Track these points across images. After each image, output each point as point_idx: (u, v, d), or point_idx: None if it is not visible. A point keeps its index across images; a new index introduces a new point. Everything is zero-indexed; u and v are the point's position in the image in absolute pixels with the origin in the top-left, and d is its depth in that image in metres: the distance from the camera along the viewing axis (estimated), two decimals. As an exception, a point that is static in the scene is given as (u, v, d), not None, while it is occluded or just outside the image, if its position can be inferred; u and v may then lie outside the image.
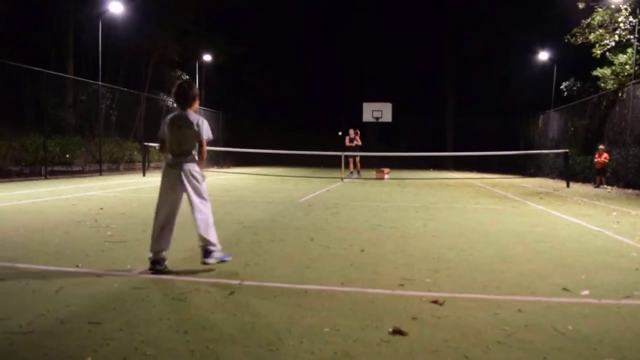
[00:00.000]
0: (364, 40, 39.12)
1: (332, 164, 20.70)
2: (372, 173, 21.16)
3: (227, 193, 12.10)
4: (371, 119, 26.29)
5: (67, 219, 7.14)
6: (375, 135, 34.43)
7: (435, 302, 3.49)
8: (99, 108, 20.72)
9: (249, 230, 6.51)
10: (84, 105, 21.29)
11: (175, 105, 4.33)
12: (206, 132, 4.18)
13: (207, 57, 29.70)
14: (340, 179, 18.62)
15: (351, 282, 4.03)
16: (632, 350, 2.74)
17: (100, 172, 19.24)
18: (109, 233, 6.02)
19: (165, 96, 27.25)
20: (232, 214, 7.93)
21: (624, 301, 3.66)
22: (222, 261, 4.32)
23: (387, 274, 4.31)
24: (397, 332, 2.90)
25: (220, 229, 6.45)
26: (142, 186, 13.72)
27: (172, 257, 4.79)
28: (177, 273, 4.19)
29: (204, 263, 4.20)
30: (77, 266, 4.36)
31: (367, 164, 23.86)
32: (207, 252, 4.19)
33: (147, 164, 20.58)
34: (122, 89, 22.91)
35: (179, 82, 4.37)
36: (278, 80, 39.12)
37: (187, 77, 29.03)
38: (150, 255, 4.19)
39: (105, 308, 3.26)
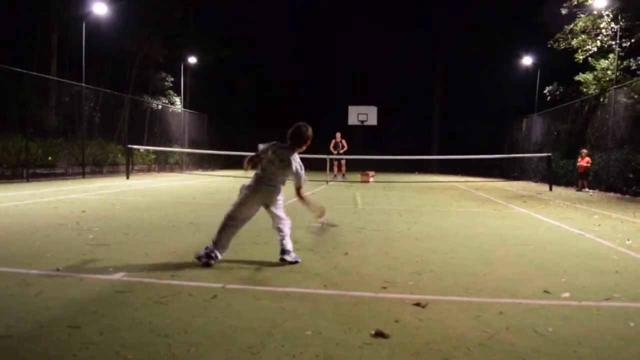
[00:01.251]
0: (352, 43, 39.21)
1: (317, 166, 20.66)
2: (357, 176, 21.22)
3: (211, 196, 12.04)
4: (356, 122, 26.39)
5: (48, 221, 7.05)
6: (360, 138, 34.52)
7: (417, 304, 3.51)
8: (82, 110, 20.50)
9: (233, 233, 6.46)
10: (67, 107, 21.03)
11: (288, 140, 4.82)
12: (300, 170, 4.88)
13: (193, 59, 29.44)
14: (325, 182, 18.65)
15: (334, 285, 4.03)
16: (611, 352, 2.78)
17: (83, 174, 19.03)
18: (90, 236, 5.96)
19: (149, 98, 27.03)
20: (215, 217, 7.83)
21: (603, 303, 3.71)
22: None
23: (370, 277, 4.32)
24: (379, 334, 2.91)
25: (202, 232, 6.47)
26: (126, 189, 13.60)
27: (155, 260, 4.77)
28: (159, 276, 4.16)
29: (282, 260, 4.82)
30: (58, 269, 4.31)
31: (352, 167, 23.92)
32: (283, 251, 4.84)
33: (130, 166, 20.41)
34: (106, 90, 22.71)
35: (298, 123, 4.80)
36: (265, 82, 38.99)
37: (172, 78, 28.80)
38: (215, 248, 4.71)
39: (86, 312, 3.23)
